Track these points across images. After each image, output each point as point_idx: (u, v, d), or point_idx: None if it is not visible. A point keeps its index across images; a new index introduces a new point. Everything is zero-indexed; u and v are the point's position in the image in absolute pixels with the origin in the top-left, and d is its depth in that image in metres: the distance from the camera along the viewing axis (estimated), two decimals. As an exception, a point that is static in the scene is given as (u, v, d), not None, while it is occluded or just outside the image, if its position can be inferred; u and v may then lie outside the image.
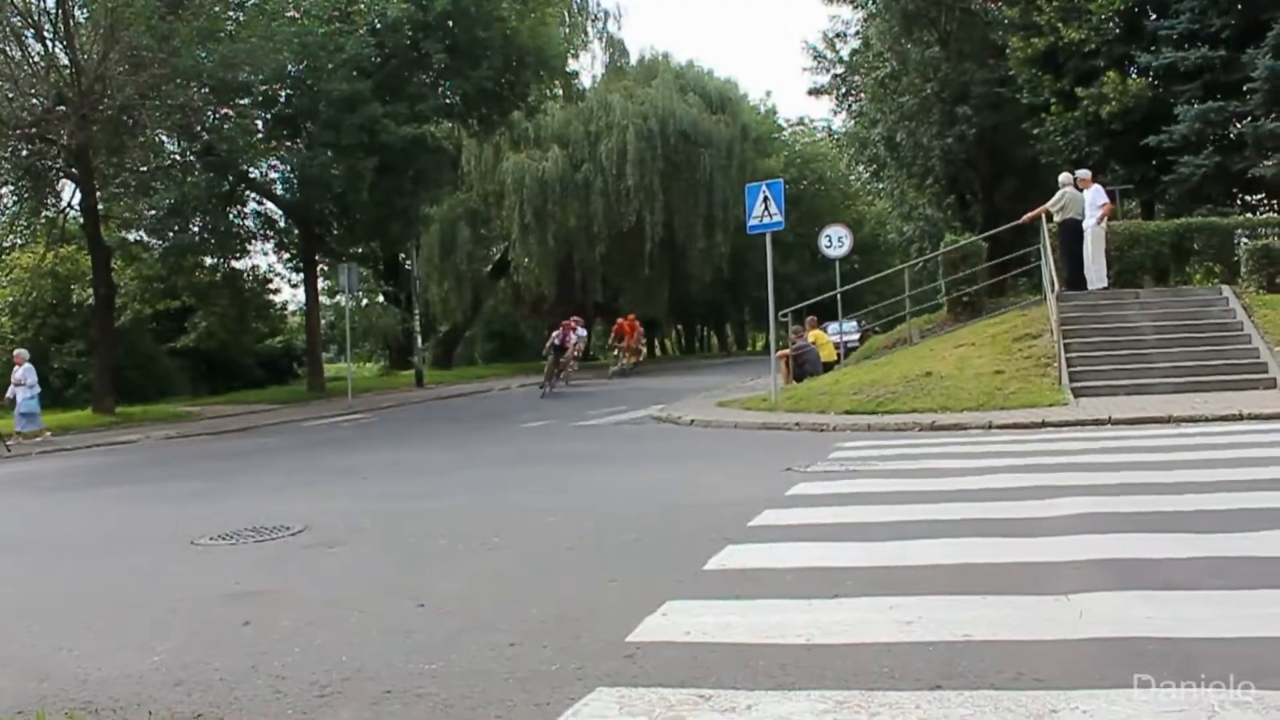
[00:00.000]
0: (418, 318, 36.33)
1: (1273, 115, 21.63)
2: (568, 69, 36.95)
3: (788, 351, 19.64)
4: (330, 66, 24.88)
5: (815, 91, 38.73)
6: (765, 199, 15.82)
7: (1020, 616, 4.11)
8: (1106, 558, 4.94)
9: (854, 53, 36.20)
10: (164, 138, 25.41)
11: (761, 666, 3.67)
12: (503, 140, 39.44)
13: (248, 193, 30.57)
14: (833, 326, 23.85)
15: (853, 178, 50.80)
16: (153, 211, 26.27)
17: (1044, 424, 11.55)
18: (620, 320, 34.10)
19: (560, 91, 39.50)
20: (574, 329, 27.79)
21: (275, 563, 6.35)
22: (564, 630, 4.34)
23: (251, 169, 28.96)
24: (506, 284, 48.40)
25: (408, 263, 38.13)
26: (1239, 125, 22.52)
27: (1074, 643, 3.74)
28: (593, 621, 4.43)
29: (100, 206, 24.43)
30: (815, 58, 37.85)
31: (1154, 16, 24.77)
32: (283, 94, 26.94)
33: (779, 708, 3.23)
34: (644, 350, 33.01)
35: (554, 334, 26.87)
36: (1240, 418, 11.06)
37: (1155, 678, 3.26)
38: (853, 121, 38.76)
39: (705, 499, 7.96)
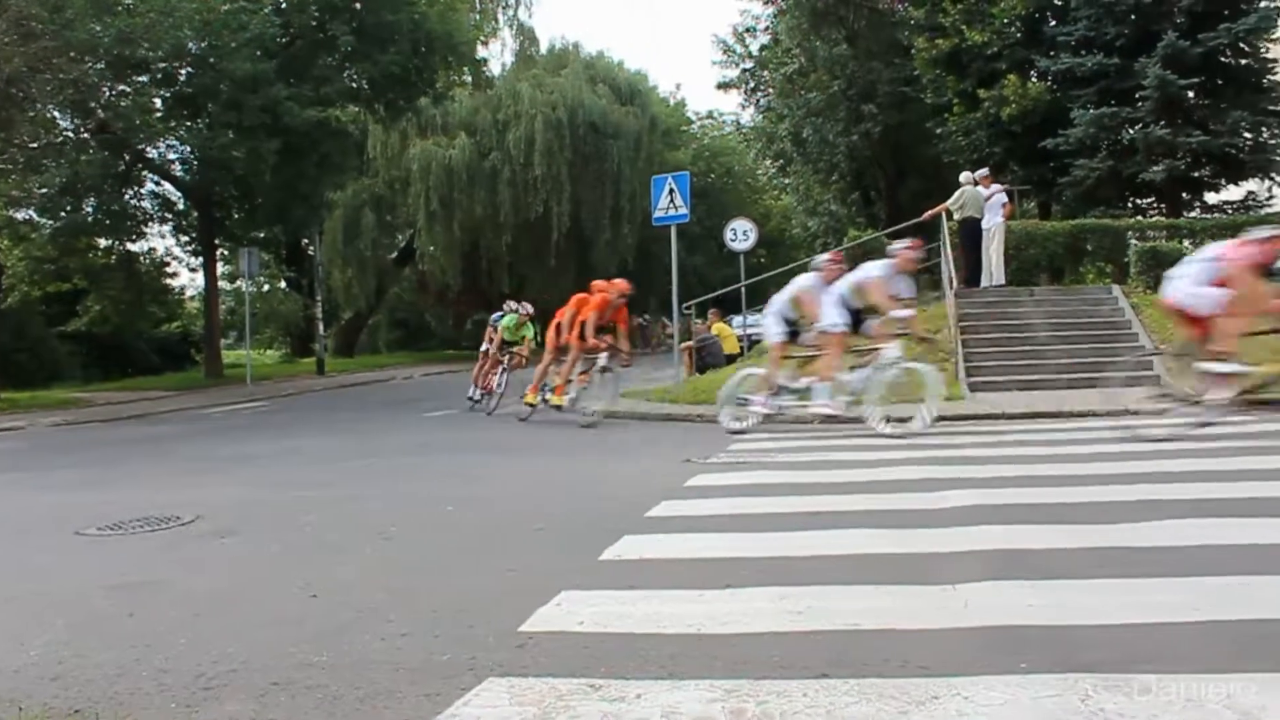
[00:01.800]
0: (320, 304, 35.74)
1: (1162, 123, 22.30)
2: (477, 56, 36.57)
3: (691, 343, 19.77)
4: (233, 45, 24.28)
5: (724, 85, 38.95)
6: (671, 191, 15.89)
7: (908, 606, 4.18)
8: (994, 548, 5.06)
9: (763, 48, 36.45)
10: (55, 113, 24.63)
11: (653, 656, 3.69)
12: (410, 126, 39.07)
13: (145, 173, 29.78)
14: (737, 319, 24.04)
15: (760, 172, 51.16)
16: (43, 190, 25.33)
17: (940, 418, 11.75)
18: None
19: (469, 79, 39.16)
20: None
21: (165, 553, 6.18)
22: (457, 620, 4.31)
23: (149, 148, 28.16)
24: (411, 272, 48.03)
25: (310, 248, 37.52)
26: (1131, 131, 23.16)
27: (959, 631, 3.82)
28: (486, 612, 4.40)
29: (-14, 184, 23.61)
30: (725, 51, 38.10)
31: (1053, 23, 25.36)
32: (183, 72, 26.19)
33: (668, 696, 3.24)
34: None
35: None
36: (1126, 413, 11.38)
37: (1034, 664, 3.35)
38: (760, 116, 39.04)
39: (604, 490, 7.98)
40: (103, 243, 30.34)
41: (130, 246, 31.74)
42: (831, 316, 11.14)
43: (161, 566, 5.77)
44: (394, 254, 47.76)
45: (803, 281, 11.77)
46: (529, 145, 40.83)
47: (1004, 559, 4.84)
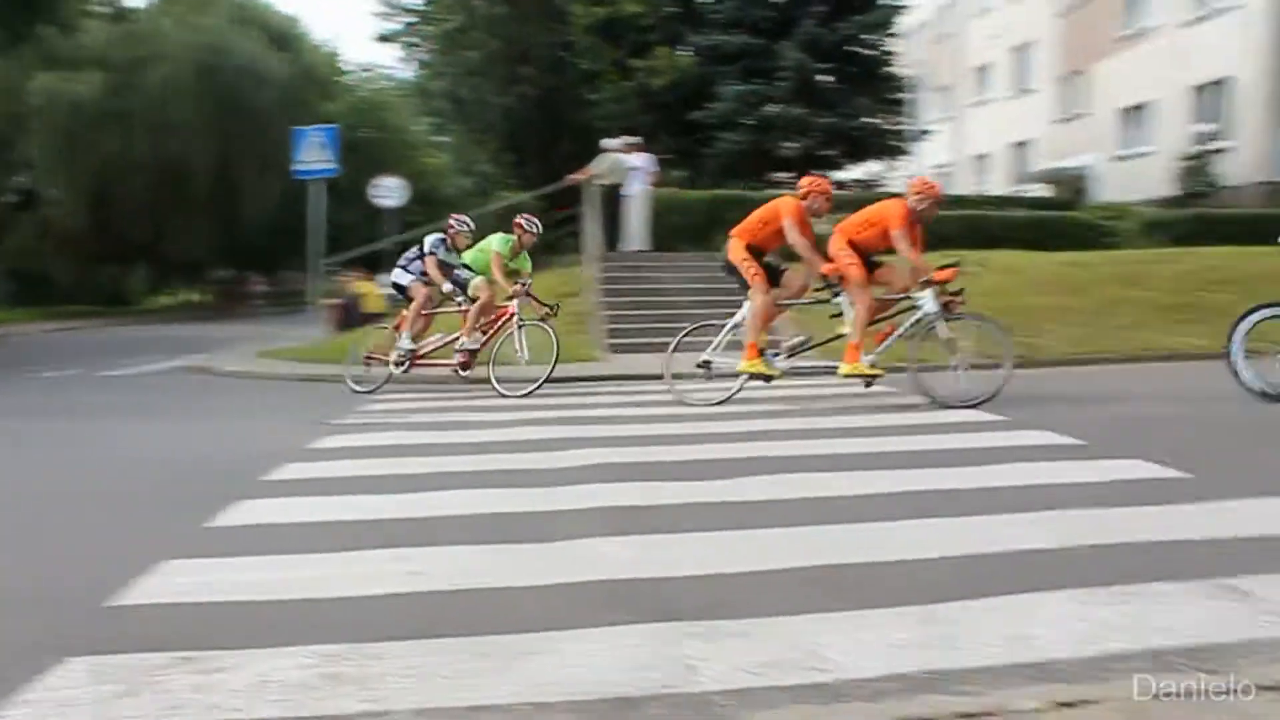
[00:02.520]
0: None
1: (798, 102, 23.86)
2: (113, -15, 33.96)
3: (340, 301, 19.35)
4: None
5: (385, 38, 38.19)
6: (318, 144, 15.42)
7: (520, 563, 4.29)
8: (607, 505, 5.26)
9: (427, 2, 35.99)
10: None
11: (256, 624, 3.59)
12: (32, 56, 35.60)
13: None
14: (384, 277, 23.70)
15: (415, 129, 50.47)
16: None
17: (576, 379, 12.04)
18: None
19: (104, 9, 36.29)
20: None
21: None
22: (43, 597, 4.02)
23: None
24: (32, 217, 44.01)
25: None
26: (772, 108, 24.62)
27: (565, 586, 3.95)
28: (78, 586, 4.12)
29: None
30: (387, 4, 37.30)
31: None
32: None
33: (265, 664, 3.16)
34: None
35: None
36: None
37: (633, 615, 3.52)
38: (420, 72, 38.55)
39: (225, 453, 7.69)
40: None
41: None
42: None
43: None
44: (12, 198, 43.65)
45: None
46: (171, 86, 38.38)
47: (615, 515, 5.03)
